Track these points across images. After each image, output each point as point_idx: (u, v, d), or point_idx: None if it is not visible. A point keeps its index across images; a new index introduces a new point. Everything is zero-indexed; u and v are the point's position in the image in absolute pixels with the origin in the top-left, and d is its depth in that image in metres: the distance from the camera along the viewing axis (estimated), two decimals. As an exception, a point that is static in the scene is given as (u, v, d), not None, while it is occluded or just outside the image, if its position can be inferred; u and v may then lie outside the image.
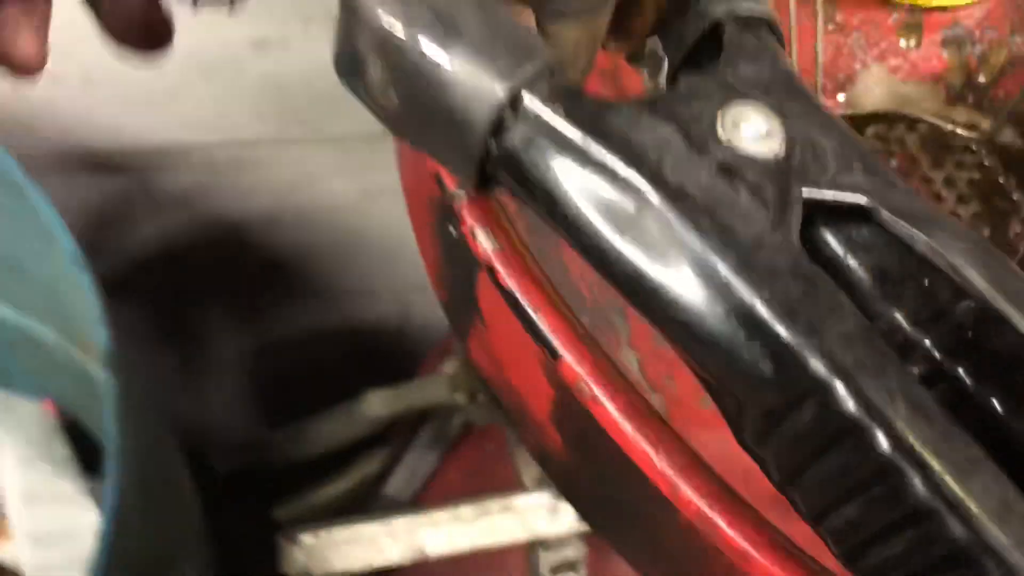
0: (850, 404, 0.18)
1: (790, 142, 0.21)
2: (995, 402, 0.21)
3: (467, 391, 0.65)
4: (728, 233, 0.19)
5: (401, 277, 1.16)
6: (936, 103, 0.52)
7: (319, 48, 0.84)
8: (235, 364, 1.22)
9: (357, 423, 0.67)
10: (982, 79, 0.52)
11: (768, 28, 0.24)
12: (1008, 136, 0.51)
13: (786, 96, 0.22)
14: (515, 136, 0.20)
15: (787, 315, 0.19)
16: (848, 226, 0.22)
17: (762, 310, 0.19)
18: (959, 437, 0.18)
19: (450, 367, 0.64)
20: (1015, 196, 0.49)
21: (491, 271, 0.24)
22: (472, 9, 0.20)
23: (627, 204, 0.19)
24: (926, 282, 0.22)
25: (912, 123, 0.50)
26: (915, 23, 0.52)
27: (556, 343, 0.23)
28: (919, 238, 0.21)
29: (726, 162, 0.20)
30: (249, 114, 0.91)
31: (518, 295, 0.23)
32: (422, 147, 0.21)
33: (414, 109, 0.20)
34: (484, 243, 0.24)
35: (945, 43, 0.53)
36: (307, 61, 0.83)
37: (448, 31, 0.19)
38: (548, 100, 0.20)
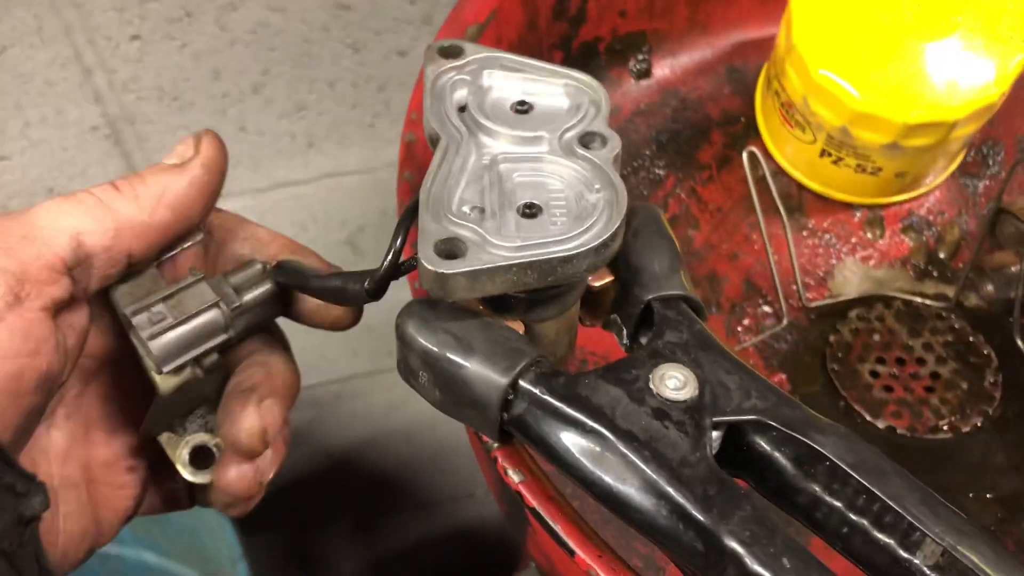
0: (754, 564, 0.27)
1: (702, 386, 0.31)
2: (895, 546, 0.30)
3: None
4: (662, 459, 0.29)
5: (494, 478, 1.25)
6: (906, 282, 0.61)
7: (396, 293, 0.98)
8: (350, 581, 1.31)
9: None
10: (942, 255, 0.62)
11: (685, 302, 0.34)
12: (972, 300, 0.60)
13: (700, 351, 0.32)
14: (517, 409, 0.31)
15: (706, 508, 0.28)
16: (766, 431, 0.32)
17: (689, 507, 0.28)
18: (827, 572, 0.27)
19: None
20: (986, 351, 0.58)
21: (520, 496, 0.34)
22: (478, 331, 0.31)
23: (595, 445, 0.30)
24: (827, 462, 0.31)
25: (888, 302, 0.60)
26: (877, 218, 0.63)
27: (571, 543, 0.33)
28: (804, 439, 0.31)
29: (658, 408, 0.30)
30: (346, 352, 1.05)
31: (541, 512, 0.33)
32: (460, 420, 0.32)
33: (451, 397, 0.31)
34: (513, 477, 0.34)
35: (905, 230, 0.63)
36: (392, 305, 0.98)
37: (464, 348, 0.31)
38: (535, 383, 0.30)
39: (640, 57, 0.62)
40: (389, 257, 0.34)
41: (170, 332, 0.34)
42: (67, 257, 0.32)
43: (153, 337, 0.34)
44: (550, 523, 0.33)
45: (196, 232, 0.36)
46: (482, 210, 0.32)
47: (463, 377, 0.31)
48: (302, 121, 0.81)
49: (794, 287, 0.60)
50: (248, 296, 0.37)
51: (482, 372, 0.31)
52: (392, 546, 1.30)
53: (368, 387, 1.12)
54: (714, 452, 0.30)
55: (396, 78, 0.80)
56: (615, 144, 0.34)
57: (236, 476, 0.36)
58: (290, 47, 0.76)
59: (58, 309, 0.32)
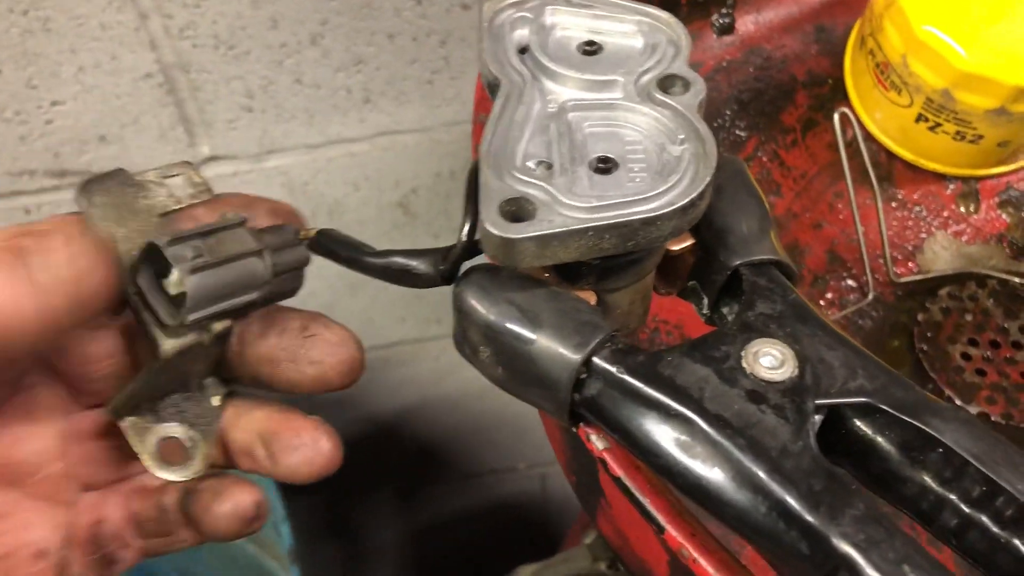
0: (872, 571, 0.24)
1: (802, 364, 0.28)
2: (1019, 544, 0.26)
3: (607, 560, 0.70)
4: (760, 448, 0.26)
5: (538, 451, 1.22)
6: (1002, 260, 0.57)
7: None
8: (391, 550, 1.30)
9: (510, 600, 0.73)
10: (1043, 233, 0.57)
11: (777, 268, 0.31)
12: (1077, 283, 0.55)
13: (797, 323, 0.29)
14: (591, 390, 0.27)
15: (812, 506, 0.25)
16: (871, 415, 0.28)
17: (793, 504, 0.25)
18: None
19: (589, 538, 0.70)
20: (1090, 338, 0.53)
21: (603, 463, 0.31)
22: (546, 302, 0.28)
23: (681, 432, 0.26)
24: (940, 449, 0.27)
25: (982, 280, 0.55)
26: (971, 191, 0.58)
27: (660, 519, 0.29)
28: (918, 424, 0.27)
29: (753, 390, 0.27)
30: (392, 320, 1.03)
31: (627, 482, 0.30)
32: (525, 399, 0.29)
33: (515, 376, 0.28)
34: (597, 444, 0.31)
35: (1002, 205, 0.58)
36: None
37: (531, 321, 0.27)
38: (611, 360, 0.27)
39: (723, 11, 0.58)
40: (466, 231, 0.29)
41: (209, 271, 0.29)
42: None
43: (193, 272, 0.28)
44: (637, 495, 0.30)
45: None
46: (549, 165, 0.28)
47: (529, 354, 0.27)
48: (359, 75, 0.78)
49: (881, 261, 0.55)
50: (281, 258, 0.32)
51: (551, 348, 0.27)
52: (433, 516, 1.28)
53: (415, 354, 1.09)
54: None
55: (458, 32, 0.77)
56: (699, 88, 0.30)
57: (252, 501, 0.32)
58: (350, -4, 0.72)
59: None
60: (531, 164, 0.28)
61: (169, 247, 0.29)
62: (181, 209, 0.32)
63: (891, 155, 0.58)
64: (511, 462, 1.22)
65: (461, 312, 0.29)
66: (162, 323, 0.29)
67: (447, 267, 0.30)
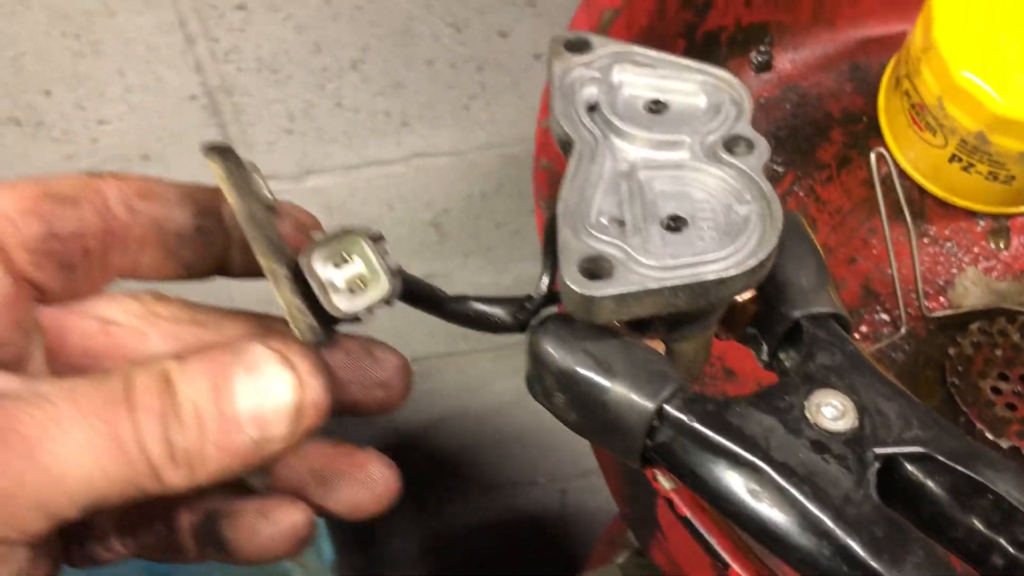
0: (929, 616, 0.25)
1: (861, 415, 0.29)
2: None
3: (638, 581, 0.71)
4: (824, 496, 0.27)
5: (559, 466, 1.24)
6: (1032, 296, 0.58)
7: (477, 277, 0.97)
8: (411, 560, 1.31)
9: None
10: (1073, 271, 0.58)
11: (835, 320, 0.32)
12: (1105, 321, 0.56)
13: (855, 375, 0.30)
14: (663, 436, 0.29)
15: (875, 553, 0.26)
16: (924, 462, 0.30)
17: (857, 549, 0.27)
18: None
19: (622, 557, 0.71)
20: (1119, 374, 0.54)
21: (670, 503, 0.33)
22: (619, 351, 0.29)
23: (750, 479, 0.28)
24: (990, 496, 0.29)
25: (1011, 316, 0.57)
26: (1002, 228, 0.59)
27: (725, 557, 0.31)
28: (970, 472, 0.28)
29: (817, 440, 0.28)
30: (422, 334, 1.05)
31: (694, 521, 0.32)
32: (597, 444, 0.30)
33: (589, 421, 0.30)
34: (664, 483, 0.33)
35: (1032, 242, 0.59)
36: (469, 287, 0.97)
37: (606, 371, 0.29)
38: (682, 409, 0.29)
39: (762, 49, 0.60)
40: (544, 283, 0.31)
41: (397, 277, 0.29)
42: (72, 518, 0.24)
43: (393, 275, 0.29)
44: (705, 535, 0.31)
45: None
46: (622, 222, 0.30)
47: (604, 401, 0.29)
48: (397, 100, 0.80)
49: (913, 295, 0.57)
50: None
51: (625, 397, 0.29)
52: (453, 527, 1.30)
53: (441, 368, 1.11)
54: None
55: (495, 60, 0.78)
56: (763, 150, 0.32)
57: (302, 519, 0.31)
58: (392, 23, 0.74)
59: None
60: (604, 221, 0.30)
61: (376, 241, 0.29)
62: (272, 208, 0.32)
63: (923, 192, 0.60)
64: (532, 476, 1.24)
65: (537, 358, 0.30)
66: (320, 312, 0.28)
67: (525, 317, 0.31)
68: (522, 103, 0.82)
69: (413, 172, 0.86)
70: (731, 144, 0.32)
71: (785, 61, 0.61)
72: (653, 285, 0.28)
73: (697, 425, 0.28)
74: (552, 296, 0.31)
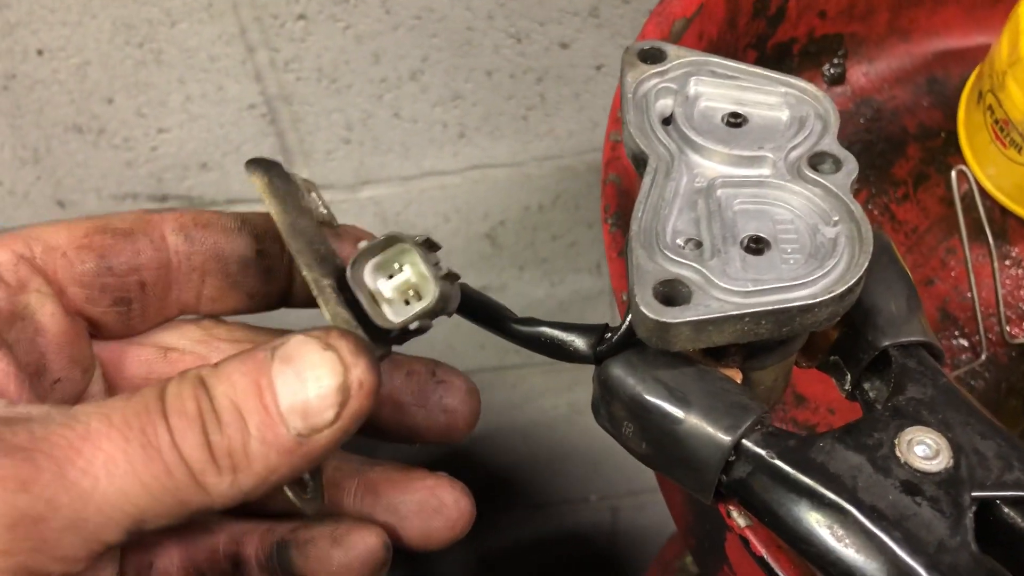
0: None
1: (956, 454, 0.27)
2: None
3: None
4: (917, 542, 0.25)
5: (610, 484, 1.22)
6: (1122, 324, 0.55)
7: (532, 290, 0.96)
8: None
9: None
10: None
11: (926, 350, 0.30)
12: None
13: (949, 410, 0.28)
14: (739, 472, 0.27)
15: (972, 605, 0.24)
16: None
17: (951, 602, 0.24)
18: None
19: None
20: None
21: (744, 540, 0.31)
22: (694, 380, 0.28)
23: (834, 521, 0.26)
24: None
25: (1100, 345, 0.53)
26: (1089, 251, 0.56)
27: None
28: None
29: (907, 480, 0.26)
30: (473, 346, 1.03)
31: (768, 560, 0.30)
32: (667, 476, 0.28)
33: (659, 453, 0.28)
34: (738, 520, 0.31)
35: (1123, 267, 0.56)
36: (523, 300, 0.95)
37: (680, 401, 0.27)
38: (762, 444, 0.27)
39: (835, 61, 0.57)
40: (630, 317, 0.29)
41: (446, 283, 0.28)
42: (114, 542, 0.23)
43: (442, 279, 0.28)
44: (778, 573, 0.29)
45: None
46: (699, 243, 0.28)
47: (677, 434, 0.27)
48: (456, 110, 0.79)
49: (994, 320, 0.54)
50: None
51: (701, 429, 0.27)
52: (500, 544, 1.28)
53: (492, 382, 1.10)
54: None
55: (555, 71, 0.77)
56: (852, 167, 0.30)
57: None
58: (452, 34, 0.73)
59: None
60: (680, 242, 0.28)
61: (425, 248, 0.28)
62: (328, 224, 0.31)
63: (1005, 211, 0.57)
64: (583, 493, 1.22)
65: (606, 387, 0.29)
66: (369, 324, 0.27)
67: (605, 349, 0.29)
68: (581, 115, 0.81)
69: (470, 183, 0.85)
70: (816, 161, 0.30)
71: (859, 74, 0.59)
72: (733, 312, 0.26)
73: (778, 461, 0.27)
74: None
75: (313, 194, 0.33)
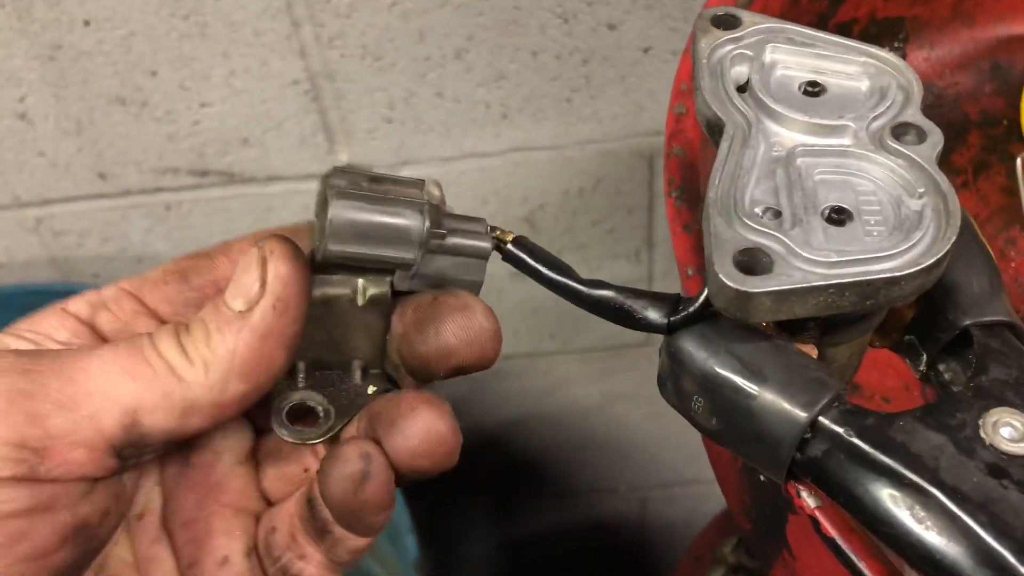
0: None
1: (1046, 441, 0.26)
2: None
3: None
4: (1003, 526, 0.24)
5: (640, 475, 1.21)
6: None
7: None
8: (484, 560, 1.29)
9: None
10: None
11: (1010, 330, 0.29)
12: None
13: (1036, 394, 0.27)
14: (815, 450, 0.26)
15: (1063, 594, 0.23)
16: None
17: (1040, 590, 0.23)
18: None
19: (717, 574, 0.68)
20: None
21: (815, 522, 0.30)
22: (770, 354, 0.27)
23: (915, 502, 0.25)
24: None
25: None
26: None
27: (871, 576, 0.28)
28: None
29: (993, 463, 0.25)
30: (507, 332, 1.03)
31: (840, 543, 0.29)
32: (738, 453, 0.28)
33: (731, 430, 0.27)
34: (808, 500, 0.30)
35: None
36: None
37: (755, 375, 0.26)
38: (840, 421, 0.26)
39: (896, 44, 0.56)
40: (706, 289, 0.28)
41: (357, 202, 0.28)
42: (114, 438, 0.26)
43: (341, 196, 0.28)
44: (854, 560, 0.28)
45: None
46: (777, 212, 0.27)
47: (751, 409, 0.26)
48: (499, 91, 0.78)
49: (1054, 316, 0.53)
50: (455, 239, 0.30)
51: (776, 405, 0.26)
52: (526, 531, 1.27)
53: (525, 368, 1.09)
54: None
55: (601, 52, 0.76)
56: (937, 138, 0.29)
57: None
58: (498, 13, 0.72)
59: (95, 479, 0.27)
60: (758, 211, 0.27)
61: (334, 176, 0.29)
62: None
63: (1067, 202, 0.55)
64: (612, 483, 1.21)
65: (676, 360, 0.28)
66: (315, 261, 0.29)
67: (679, 320, 0.28)
68: (626, 98, 0.80)
69: (510, 166, 0.85)
70: (900, 131, 0.29)
71: (919, 58, 0.57)
72: (818, 282, 0.25)
73: (856, 440, 0.26)
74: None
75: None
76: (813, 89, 0.31)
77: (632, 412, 1.15)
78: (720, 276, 0.25)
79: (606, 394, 1.13)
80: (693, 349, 0.27)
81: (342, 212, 0.28)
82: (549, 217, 0.90)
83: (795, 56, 0.31)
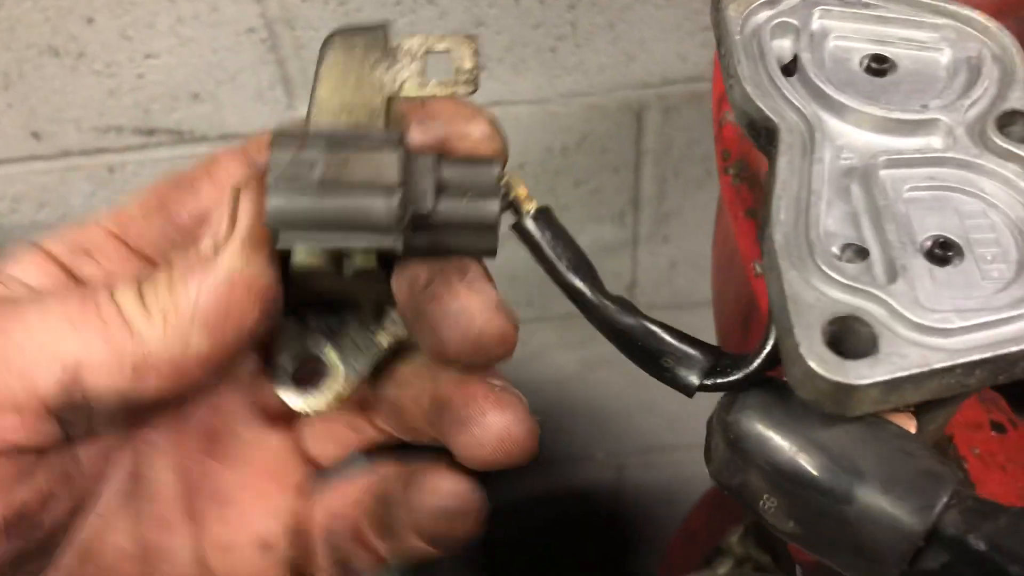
0: None
1: None
2: None
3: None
4: None
5: (618, 442, 1.17)
6: None
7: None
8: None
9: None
10: None
11: None
12: None
13: None
14: (931, 562, 0.20)
15: None
16: None
17: None
18: None
19: (723, 568, 0.64)
20: None
21: None
22: (865, 441, 0.21)
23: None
24: None
25: None
26: None
27: None
28: None
29: None
30: (482, 298, 0.97)
31: None
32: (826, 560, 0.22)
33: (816, 535, 0.21)
34: None
35: None
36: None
37: (848, 472, 0.20)
38: (964, 526, 0.20)
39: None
40: (764, 355, 0.22)
41: (300, 197, 0.23)
42: (51, 398, 0.23)
43: (275, 189, 0.23)
44: None
45: None
46: (861, 251, 0.21)
47: (845, 515, 0.20)
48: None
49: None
50: (451, 205, 0.25)
51: (879, 511, 0.20)
52: (504, 497, 1.24)
53: (503, 335, 1.03)
54: None
55: (591, -5, 0.69)
56: None
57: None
58: (478, -48, 0.65)
59: (37, 451, 0.23)
60: (835, 250, 0.21)
61: (279, 147, 0.24)
62: (411, 98, 0.27)
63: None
64: (590, 450, 1.17)
65: (737, 447, 0.21)
66: None
67: (714, 384, 0.22)
68: (615, 47, 0.73)
69: (489, 122, 0.77)
70: (1006, 122, 0.23)
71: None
72: (941, 364, 0.19)
73: (985, 549, 0.20)
74: (765, 370, 0.22)
75: (442, 53, 0.29)
76: (880, 66, 0.24)
77: (611, 379, 1.12)
78: (809, 362, 0.19)
79: (584, 361, 1.09)
80: (762, 435, 0.21)
81: (278, 211, 0.23)
82: (529, 177, 0.83)
83: (851, 22, 0.25)
